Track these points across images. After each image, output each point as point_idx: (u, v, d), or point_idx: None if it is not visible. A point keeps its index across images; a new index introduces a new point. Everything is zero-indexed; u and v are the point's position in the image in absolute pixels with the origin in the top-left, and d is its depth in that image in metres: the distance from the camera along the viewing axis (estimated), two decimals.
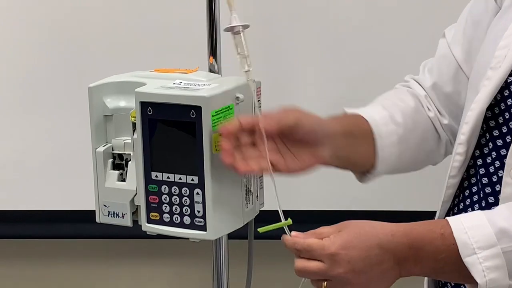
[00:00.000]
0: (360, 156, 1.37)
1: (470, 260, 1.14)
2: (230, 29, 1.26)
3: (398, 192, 2.07)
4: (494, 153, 1.28)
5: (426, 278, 1.39)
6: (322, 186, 2.03)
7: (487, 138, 1.30)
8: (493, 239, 1.13)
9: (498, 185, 1.25)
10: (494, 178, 1.27)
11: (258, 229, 1.21)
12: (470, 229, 1.15)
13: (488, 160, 1.29)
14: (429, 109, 1.45)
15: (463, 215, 1.19)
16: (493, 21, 1.37)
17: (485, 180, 1.28)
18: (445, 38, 1.47)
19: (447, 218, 1.17)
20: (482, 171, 1.29)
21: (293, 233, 1.18)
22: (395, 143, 1.38)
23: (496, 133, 1.29)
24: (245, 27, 1.27)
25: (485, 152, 1.30)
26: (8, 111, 2.19)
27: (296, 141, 1.27)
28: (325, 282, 1.15)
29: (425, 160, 1.47)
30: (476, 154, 1.31)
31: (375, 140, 1.36)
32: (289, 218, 1.21)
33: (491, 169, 1.28)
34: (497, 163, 1.27)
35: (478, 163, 1.31)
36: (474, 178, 1.31)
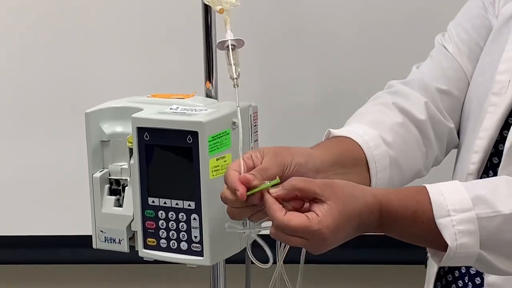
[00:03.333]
0: None
1: (443, 221, 1.12)
2: (223, 43, 1.24)
3: None
4: None
5: (431, 282, 1.38)
6: None
7: (488, 166, 1.29)
8: (469, 203, 1.12)
9: None
10: None
11: (247, 193, 1.13)
12: (447, 192, 1.13)
13: None
14: (426, 114, 1.39)
15: (441, 183, 1.17)
16: (486, 43, 1.37)
17: None
18: (441, 43, 1.43)
19: (426, 185, 1.15)
20: None
21: (273, 191, 1.12)
22: (387, 166, 1.33)
23: (496, 160, 1.28)
24: (239, 43, 1.24)
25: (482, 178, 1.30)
26: (3, 136, 2.18)
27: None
28: None
29: (413, 177, 1.41)
30: None
31: (369, 166, 1.31)
32: (277, 177, 1.15)
33: None
34: None
35: None
36: None
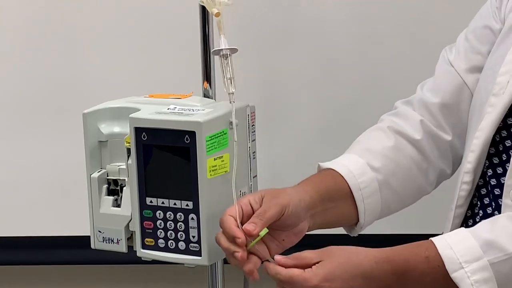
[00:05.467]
0: (341, 217, 1.33)
1: (458, 275, 1.12)
2: (218, 52, 1.26)
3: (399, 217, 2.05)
4: (494, 180, 1.28)
5: None
6: None
7: (487, 165, 1.30)
8: (479, 251, 1.12)
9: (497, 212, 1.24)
10: (494, 206, 1.26)
11: (248, 248, 1.20)
12: (455, 244, 1.13)
13: (489, 188, 1.29)
14: (422, 133, 1.40)
15: (446, 233, 1.17)
16: (493, 47, 1.37)
17: (489, 210, 1.27)
18: (445, 56, 1.44)
19: (431, 238, 1.16)
20: (486, 201, 1.29)
21: (276, 257, 1.18)
22: (376, 191, 1.34)
23: (496, 160, 1.28)
24: (233, 51, 1.26)
25: (486, 179, 1.30)
26: (1, 137, 2.18)
27: (276, 228, 1.24)
28: None
29: (415, 195, 1.42)
30: (480, 183, 1.31)
31: (353, 194, 1.32)
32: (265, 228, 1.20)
33: (491, 196, 1.27)
34: (497, 191, 1.26)
35: (482, 193, 1.30)
36: (477, 208, 1.31)
